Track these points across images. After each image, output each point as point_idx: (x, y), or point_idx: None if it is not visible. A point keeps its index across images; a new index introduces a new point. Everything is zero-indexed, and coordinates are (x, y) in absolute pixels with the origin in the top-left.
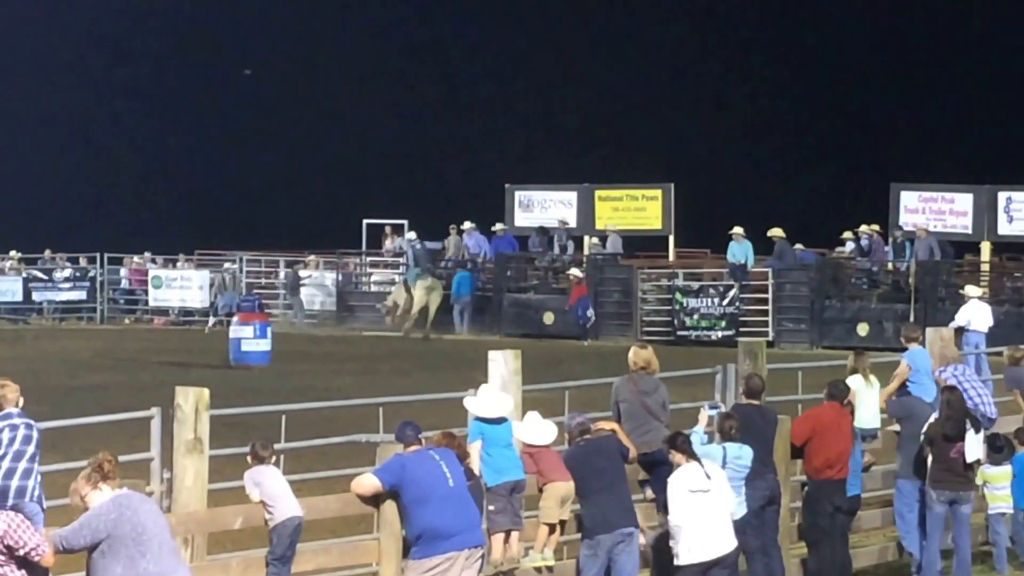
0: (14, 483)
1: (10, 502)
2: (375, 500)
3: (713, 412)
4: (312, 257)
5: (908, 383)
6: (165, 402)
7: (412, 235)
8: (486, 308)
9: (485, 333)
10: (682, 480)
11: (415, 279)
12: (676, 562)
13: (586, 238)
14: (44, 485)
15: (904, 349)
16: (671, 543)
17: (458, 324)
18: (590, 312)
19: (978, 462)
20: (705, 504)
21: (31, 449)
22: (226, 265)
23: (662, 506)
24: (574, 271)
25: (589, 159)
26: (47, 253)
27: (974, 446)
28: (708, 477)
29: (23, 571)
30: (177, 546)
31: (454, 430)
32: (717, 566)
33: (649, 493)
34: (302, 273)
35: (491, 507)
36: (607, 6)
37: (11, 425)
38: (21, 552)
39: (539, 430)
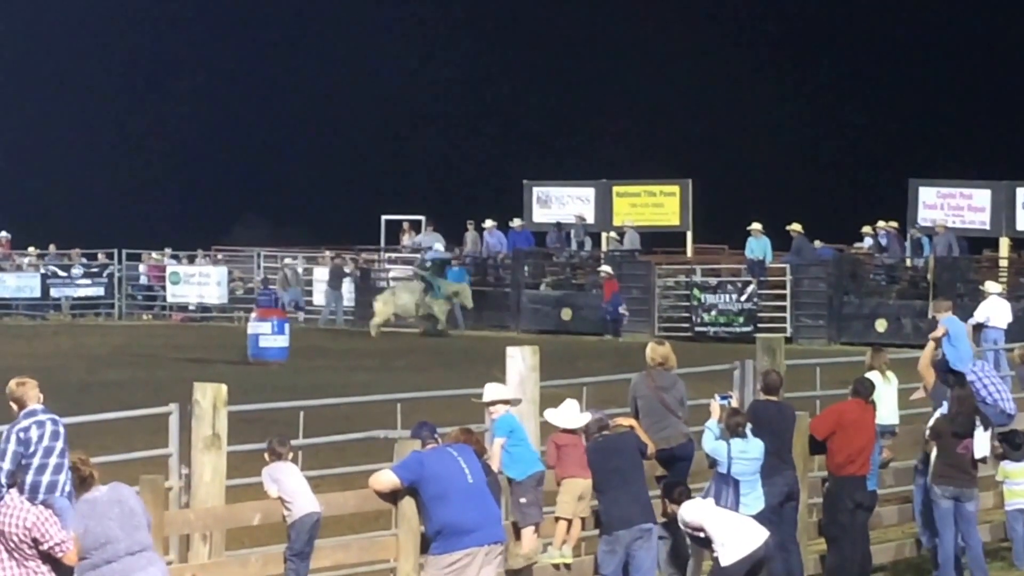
0: (45, 479)
1: (41, 497)
2: (393, 496)
3: (724, 402)
4: (327, 253)
5: (945, 347)
6: (183, 398)
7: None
8: (504, 304)
9: (503, 329)
10: (693, 509)
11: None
12: (721, 564)
13: (603, 234)
14: None
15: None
16: (715, 548)
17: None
18: (622, 308)
19: (984, 460)
20: (723, 510)
21: (60, 444)
22: (287, 260)
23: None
24: (605, 268)
25: (607, 155)
26: (52, 248)
27: (982, 443)
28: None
29: (48, 566)
30: (151, 542)
31: (471, 426)
32: (760, 566)
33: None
34: (346, 269)
35: (523, 499)
36: (625, 2)
37: (38, 422)
38: (45, 546)
39: (569, 416)
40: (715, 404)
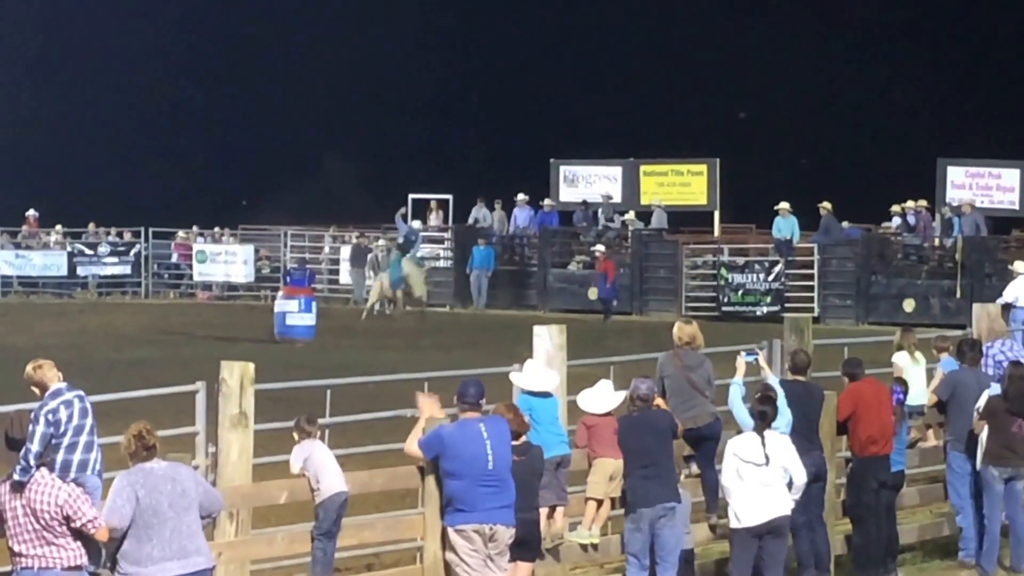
0: (76, 457)
1: (72, 475)
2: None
3: (751, 359)
4: (353, 232)
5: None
6: (210, 376)
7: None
8: (531, 283)
9: (529, 308)
10: (735, 447)
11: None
12: (730, 526)
13: (629, 213)
14: None
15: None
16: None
17: (476, 297)
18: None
19: None
20: (756, 474)
21: (89, 421)
22: (380, 243)
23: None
24: (599, 247)
25: (634, 134)
26: (91, 227)
27: None
28: (765, 452)
29: (79, 542)
30: (200, 527)
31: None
32: (771, 534)
33: (694, 469)
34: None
35: None
36: None
37: (65, 402)
38: (78, 524)
39: (600, 399)
40: (740, 360)
